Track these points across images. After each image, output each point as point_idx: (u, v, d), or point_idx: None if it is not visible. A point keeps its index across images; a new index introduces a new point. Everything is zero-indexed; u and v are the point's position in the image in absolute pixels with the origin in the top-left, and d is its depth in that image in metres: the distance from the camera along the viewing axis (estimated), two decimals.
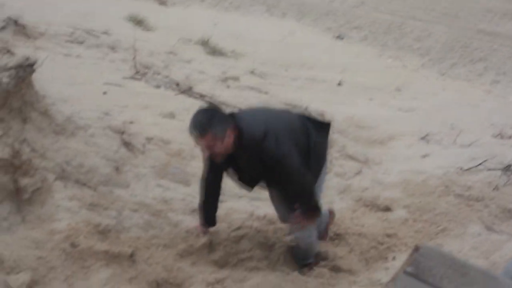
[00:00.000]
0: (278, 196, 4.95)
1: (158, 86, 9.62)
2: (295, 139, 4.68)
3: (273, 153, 4.46)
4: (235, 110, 4.90)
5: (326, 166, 5.19)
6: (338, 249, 5.55)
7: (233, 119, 4.53)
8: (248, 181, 4.88)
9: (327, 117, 9.37)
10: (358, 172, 7.87)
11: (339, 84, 13.45)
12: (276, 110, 5.26)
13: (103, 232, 4.58)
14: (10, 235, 4.12)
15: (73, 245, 4.23)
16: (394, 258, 5.58)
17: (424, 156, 8.82)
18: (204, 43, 14.29)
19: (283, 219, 5.08)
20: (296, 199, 4.76)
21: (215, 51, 13.90)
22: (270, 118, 4.72)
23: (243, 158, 4.59)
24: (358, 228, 6.08)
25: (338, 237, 5.79)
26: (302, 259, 5.18)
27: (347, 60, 16.63)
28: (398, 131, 10.03)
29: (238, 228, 5.37)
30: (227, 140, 4.41)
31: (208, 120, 4.34)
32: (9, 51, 5.43)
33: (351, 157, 8.29)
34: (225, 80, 11.24)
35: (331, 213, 5.67)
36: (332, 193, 6.94)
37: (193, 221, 5.40)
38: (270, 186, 4.93)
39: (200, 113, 4.46)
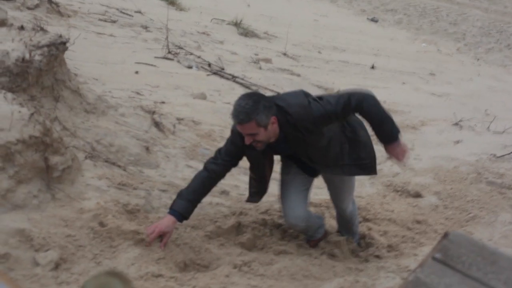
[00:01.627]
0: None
1: (190, 67, 9.62)
2: None
3: (321, 111, 4.31)
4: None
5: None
6: (367, 234, 5.51)
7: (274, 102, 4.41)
8: (318, 157, 4.65)
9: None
10: (390, 157, 7.80)
11: (372, 67, 13.35)
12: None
13: (131, 212, 4.59)
14: (40, 213, 4.14)
15: (102, 224, 4.24)
16: (423, 245, 5.53)
17: (457, 142, 8.74)
18: (237, 24, 14.27)
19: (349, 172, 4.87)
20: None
21: (247, 32, 13.87)
22: (304, 91, 4.62)
23: (297, 136, 4.42)
24: (387, 213, 6.04)
25: (367, 222, 5.75)
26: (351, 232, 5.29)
27: (381, 44, 16.51)
28: (431, 116, 9.95)
29: (266, 211, 5.35)
30: (271, 128, 4.30)
31: (253, 107, 4.18)
32: (42, 29, 5.44)
33: None
34: (257, 61, 11.20)
35: (326, 232, 5.37)
36: (363, 178, 6.90)
37: (222, 202, 5.40)
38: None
39: (244, 99, 4.29)
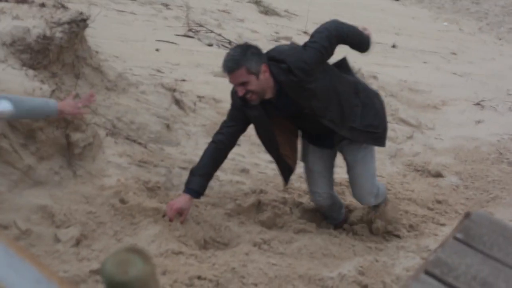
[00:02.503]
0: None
1: (210, 44, 9.60)
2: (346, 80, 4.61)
3: (313, 52, 4.25)
4: None
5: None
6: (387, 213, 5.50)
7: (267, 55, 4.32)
8: (327, 119, 4.50)
9: (379, 79, 9.30)
10: (410, 137, 7.79)
11: (394, 46, 13.26)
12: None
13: (152, 189, 4.61)
14: (61, 190, 4.17)
15: (123, 201, 4.26)
16: (443, 225, 5.51)
17: (478, 122, 8.68)
18: (258, 2, 14.22)
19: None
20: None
21: (268, 10, 13.82)
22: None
23: (294, 82, 4.27)
24: (408, 193, 6.02)
25: (387, 201, 5.73)
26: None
27: (403, 23, 16.39)
28: (452, 96, 9.89)
29: (286, 189, 5.35)
30: (263, 77, 4.18)
31: (241, 54, 4.12)
32: (63, 6, 5.44)
33: (403, 121, 8.20)
34: (277, 39, 11.17)
35: (347, 217, 5.37)
36: (383, 157, 6.87)
37: (242, 180, 5.40)
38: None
39: (233, 48, 4.31)
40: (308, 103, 4.36)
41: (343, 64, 4.76)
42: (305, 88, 4.27)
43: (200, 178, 4.44)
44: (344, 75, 4.61)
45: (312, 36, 4.39)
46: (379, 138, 4.75)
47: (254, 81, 4.15)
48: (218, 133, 4.57)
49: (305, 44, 4.33)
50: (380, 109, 4.72)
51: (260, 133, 4.62)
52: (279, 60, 4.24)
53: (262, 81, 4.18)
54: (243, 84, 4.16)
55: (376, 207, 5.16)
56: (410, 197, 5.93)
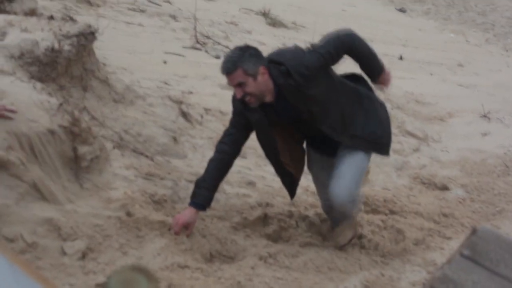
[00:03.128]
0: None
1: (217, 57, 9.62)
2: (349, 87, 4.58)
3: (315, 57, 4.22)
4: None
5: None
6: (393, 227, 5.49)
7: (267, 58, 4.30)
8: (326, 126, 4.44)
9: (386, 91, 9.30)
10: (416, 149, 7.78)
11: (400, 58, 13.25)
12: None
13: (158, 202, 4.61)
14: (68, 202, 4.17)
15: (129, 214, 4.27)
16: (449, 238, 5.50)
17: (484, 134, 8.67)
18: (265, 14, 14.23)
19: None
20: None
21: (275, 22, 13.84)
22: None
23: (293, 86, 4.22)
24: (414, 206, 6.00)
25: (394, 215, 5.72)
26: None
27: (409, 34, 16.39)
28: (459, 108, 9.88)
29: (293, 202, 5.34)
30: (262, 79, 4.15)
31: (239, 55, 4.13)
32: (71, 19, 5.48)
33: (410, 133, 8.20)
34: None
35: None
36: (389, 169, 6.87)
37: (249, 193, 5.40)
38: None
39: (232, 50, 4.32)
40: (307, 108, 4.32)
41: (360, 78, 4.74)
42: (304, 93, 4.24)
43: (205, 191, 4.41)
44: (349, 82, 4.57)
45: (322, 39, 4.37)
46: (382, 146, 4.69)
47: (251, 83, 4.13)
48: (221, 142, 4.53)
49: (311, 47, 4.31)
50: (384, 119, 4.68)
51: (260, 138, 4.58)
52: (279, 62, 4.23)
53: (260, 83, 4.17)
54: (241, 85, 4.15)
55: (338, 220, 4.89)
56: (416, 210, 5.91)
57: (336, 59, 4.35)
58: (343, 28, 4.49)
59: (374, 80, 4.63)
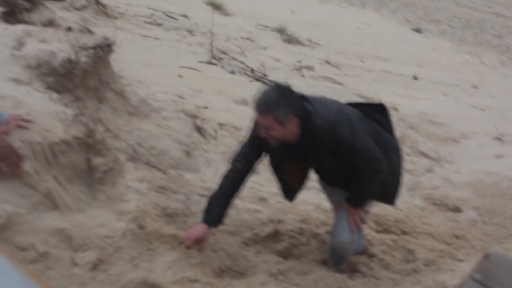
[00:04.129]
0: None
1: (233, 72, 9.65)
2: (366, 129, 4.38)
3: (347, 139, 4.14)
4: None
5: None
6: (404, 247, 5.46)
7: (303, 102, 4.16)
8: (329, 177, 4.59)
9: (399, 111, 9.29)
10: (429, 170, 7.75)
11: (415, 78, 13.25)
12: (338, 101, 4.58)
13: (170, 216, 4.62)
14: (80, 213, 4.18)
15: (141, 226, 4.27)
16: (461, 260, 5.47)
17: (498, 156, 8.64)
18: (281, 31, 14.27)
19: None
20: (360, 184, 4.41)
21: (291, 39, 13.87)
22: (341, 106, 4.40)
23: (312, 146, 4.22)
24: (426, 227, 5.98)
25: (405, 235, 5.70)
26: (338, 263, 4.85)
27: (424, 54, 16.38)
28: (472, 130, 9.86)
29: (304, 220, 5.33)
30: (289, 127, 4.06)
31: (275, 100, 3.98)
32: (89, 31, 5.51)
33: (423, 154, 8.19)
34: (300, 68, 11.20)
35: (366, 249, 5.17)
36: (401, 189, 6.84)
37: (260, 209, 5.39)
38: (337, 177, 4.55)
39: (271, 89, 4.13)
40: (321, 158, 4.35)
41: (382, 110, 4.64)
42: (321, 155, 4.31)
43: (218, 208, 4.41)
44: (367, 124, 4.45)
45: (364, 143, 4.27)
46: (388, 195, 4.66)
47: (278, 130, 4.06)
48: (236, 160, 4.49)
49: (352, 128, 4.19)
50: (396, 167, 4.58)
51: (271, 162, 4.59)
52: (312, 121, 4.12)
53: (287, 131, 4.09)
54: (267, 128, 4.08)
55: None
56: (428, 231, 5.89)
57: (354, 158, 4.29)
58: (378, 158, 4.34)
59: (347, 200, 4.55)
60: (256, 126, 4.31)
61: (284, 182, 4.68)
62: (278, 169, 4.61)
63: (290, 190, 4.75)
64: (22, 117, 3.96)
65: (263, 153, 4.51)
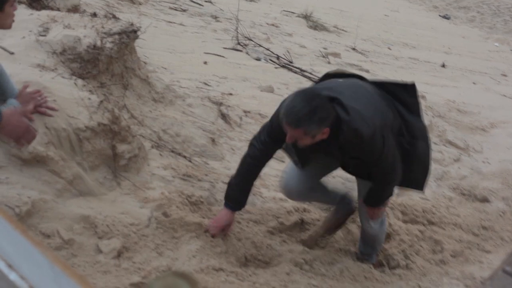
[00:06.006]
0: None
1: (258, 59, 9.59)
2: (393, 128, 4.17)
3: (375, 156, 4.01)
4: (335, 92, 3.97)
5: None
6: (431, 238, 5.40)
7: (337, 107, 3.86)
8: (351, 170, 4.51)
9: (427, 99, 9.18)
10: (457, 159, 7.65)
11: (443, 66, 13.10)
12: (369, 92, 4.20)
13: (195, 204, 4.58)
14: (105, 200, 4.17)
15: (165, 214, 4.24)
16: (489, 252, 5.40)
17: None
18: (307, 17, 14.19)
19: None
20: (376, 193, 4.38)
21: (317, 26, 13.79)
22: (376, 111, 4.02)
23: (337, 147, 4.04)
24: (453, 217, 5.90)
25: (432, 225, 5.63)
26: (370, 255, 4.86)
27: (452, 41, 16.21)
28: (501, 118, 9.72)
29: (330, 208, 5.28)
30: (317, 137, 3.83)
31: (307, 116, 3.70)
32: (114, 17, 5.48)
33: (451, 143, 8.08)
34: (325, 55, 11.12)
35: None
36: (429, 179, 6.76)
37: (286, 198, 5.34)
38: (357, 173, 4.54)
39: (302, 101, 3.76)
40: (344, 158, 4.28)
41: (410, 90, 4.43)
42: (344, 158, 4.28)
43: (239, 193, 4.35)
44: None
45: (391, 161, 4.16)
46: (416, 181, 4.52)
47: (308, 140, 3.85)
48: (255, 147, 4.30)
49: (384, 140, 4.00)
50: (423, 153, 4.41)
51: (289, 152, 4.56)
52: (344, 132, 3.88)
53: (316, 139, 3.87)
54: (295, 138, 3.86)
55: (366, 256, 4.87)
56: (455, 222, 5.82)
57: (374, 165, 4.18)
58: (397, 177, 4.29)
59: (365, 202, 4.51)
60: (278, 117, 4.08)
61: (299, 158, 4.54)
62: (301, 157, 4.49)
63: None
64: (47, 104, 3.94)
65: (283, 143, 4.33)
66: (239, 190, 4.35)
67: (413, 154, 4.31)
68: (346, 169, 4.54)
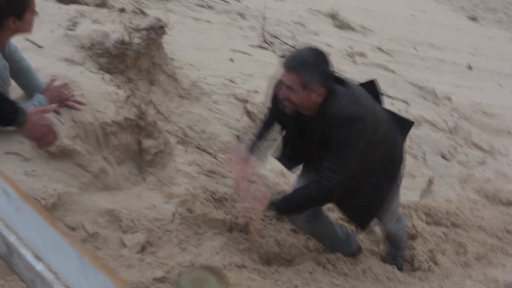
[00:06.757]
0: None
1: (284, 57, 9.57)
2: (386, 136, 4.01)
3: (344, 141, 3.73)
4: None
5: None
6: (455, 240, 5.38)
7: (335, 82, 3.78)
8: (301, 155, 4.22)
9: (452, 100, 9.13)
10: (482, 162, 7.60)
11: (469, 67, 13.00)
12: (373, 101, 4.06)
13: (219, 200, 4.59)
14: (130, 195, 4.19)
15: (190, 210, 4.26)
16: None
17: None
18: (333, 16, 14.14)
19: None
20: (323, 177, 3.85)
21: (343, 25, 13.74)
22: (374, 106, 3.95)
23: (318, 127, 3.81)
24: (477, 220, 5.87)
25: (456, 228, 5.60)
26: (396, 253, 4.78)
27: (479, 43, 16.08)
28: None
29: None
30: (311, 95, 3.65)
31: (310, 63, 3.59)
32: (142, 12, 5.51)
33: (476, 145, 8.02)
34: (351, 55, 11.08)
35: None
36: (453, 181, 6.73)
37: None
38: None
39: (309, 50, 3.71)
40: (312, 139, 3.96)
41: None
42: (313, 133, 3.93)
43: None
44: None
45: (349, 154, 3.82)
46: (357, 212, 4.27)
47: (299, 94, 3.67)
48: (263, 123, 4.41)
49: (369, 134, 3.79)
50: (373, 185, 4.12)
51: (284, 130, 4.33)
52: (338, 100, 3.74)
53: (308, 98, 3.70)
54: (289, 88, 3.69)
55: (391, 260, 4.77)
56: (479, 225, 5.79)
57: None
58: (337, 184, 3.86)
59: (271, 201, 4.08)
60: (275, 95, 4.02)
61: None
62: (290, 137, 4.31)
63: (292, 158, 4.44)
64: (75, 98, 3.96)
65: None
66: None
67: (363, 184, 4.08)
68: (299, 152, 4.25)
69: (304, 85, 3.62)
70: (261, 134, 4.38)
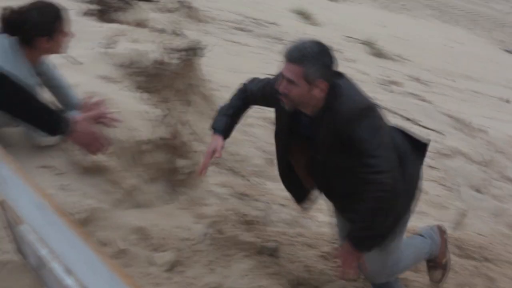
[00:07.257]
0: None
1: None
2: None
3: (366, 137, 3.33)
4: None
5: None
6: (486, 275, 5.30)
7: (337, 77, 3.50)
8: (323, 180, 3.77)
9: (488, 134, 9.03)
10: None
11: (507, 101, 12.90)
12: None
13: (250, 223, 4.58)
14: (161, 213, 4.21)
15: (220, 231, 4.26)
16: None
17: None
18: (370, 44, 14.14)
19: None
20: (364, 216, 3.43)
21: (380, 53, 13.73)
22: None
23: (327, 127, 3.46)
24: (509, 255, 5.77)
25: (487, 262, 5.52)
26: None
27: None
28: None
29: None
30: (313, 90, 3.36)
31: (314, 55, 3.33)
32: (181, 33, 5.56)
33: (510, 180, 7.92)
34: (387, 84, 11.05)
35: (442, 232, 4.40)
36: (486, 215, 6.64)
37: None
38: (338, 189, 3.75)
39: (313, 41, 3.44)
40: (323, 146, 3.56)
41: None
42: (315, 140, 3.59)
43: (229, 119, 3.96)
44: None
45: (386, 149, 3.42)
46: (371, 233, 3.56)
47: (301, 88, 3.38)
48: (238, 97, 4.07)
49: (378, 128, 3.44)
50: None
51: (276, 132, 4.01)
52: (341, 95, 3.45)
53: (309, 94, 3.40)
54: (289, 82, 3.39)
55: None
56: (511, 260, 5.69)
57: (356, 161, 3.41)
58: (391, 179, 3.34)
59: (348, 236, 3.59)
60: (276, 82, 3.60)
61: (293, 180, 4.07)
62: (280, 143, 3.99)
63: (301, 190, 4.08)
64: (112, 115, 3.95)
65: (262, 105, 4.12)
66: (228, 116, 3.98)
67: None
68: (317, 176, 3.81)
69: (305, 79, 3.36)
70: (236, 114, 4.04)
